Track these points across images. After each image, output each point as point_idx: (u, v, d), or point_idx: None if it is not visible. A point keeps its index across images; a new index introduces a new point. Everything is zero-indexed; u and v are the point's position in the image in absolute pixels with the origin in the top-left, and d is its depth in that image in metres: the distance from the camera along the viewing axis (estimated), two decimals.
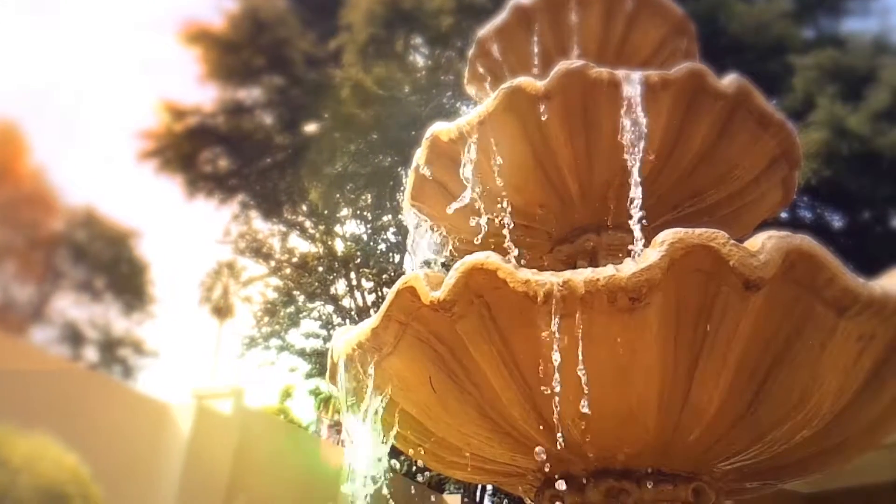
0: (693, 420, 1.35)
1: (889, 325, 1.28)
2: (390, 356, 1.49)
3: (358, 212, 12.68)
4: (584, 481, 1.44)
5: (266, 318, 13.31)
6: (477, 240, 1.90)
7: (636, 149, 1.72)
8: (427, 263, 2.09)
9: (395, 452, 1.67)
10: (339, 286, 12.99)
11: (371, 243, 12.69)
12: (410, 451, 1.80)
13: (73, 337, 14.27)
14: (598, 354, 1.26)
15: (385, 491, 1.55)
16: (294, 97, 11.35)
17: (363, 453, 1.58)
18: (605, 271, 1.23)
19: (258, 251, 13.41)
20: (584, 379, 1.24)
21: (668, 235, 1.22)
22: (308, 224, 13.03)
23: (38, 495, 2.97)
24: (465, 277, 1.29)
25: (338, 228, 12.98)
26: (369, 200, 12.33)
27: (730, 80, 1.80)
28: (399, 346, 1.46)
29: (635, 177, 1.70)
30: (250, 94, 11.87)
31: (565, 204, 1.97)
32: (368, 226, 12.71)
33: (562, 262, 2.00)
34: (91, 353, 14.89)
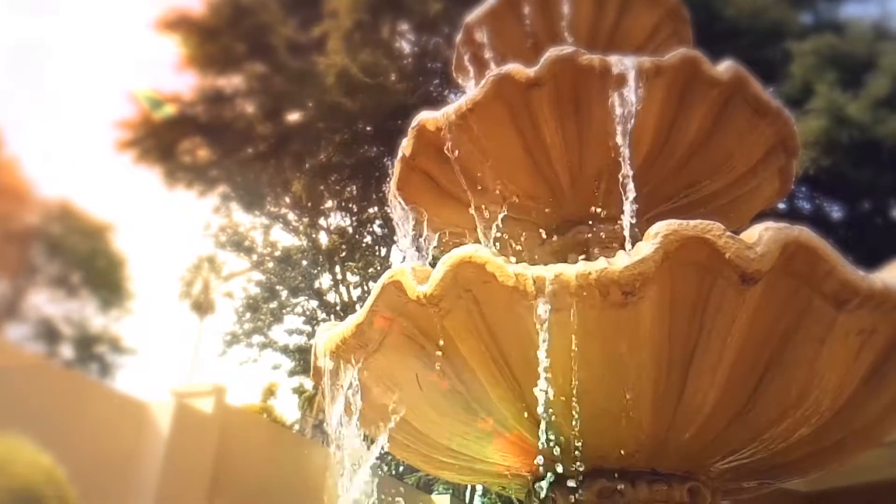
0: (688, 418, 1.33)
1: (890, 319, 1.27)
2: (376, 353, 1.47)
3: (343, 204, 12.57)
4: (577, 481, 1.41)
5: (248, 314, 13.17)
6: (465, 232, 1.86)
7: (628, 138, 1.69)
8: (416, 256, 2.03)
9: (381, 453, 1.62)
10: (324, 280, 12.92)
11: (356, 236, 12.61)
12: (398, 451, 1.75)
13: (49, 334, 13.98)
14: (590, 350, 1.24)
15: (371, 491, 1.50)
16: (276, 85, 11.14)
17: (348, 453, 1.53)
18: (597, 265, 1.20)
19: (240, 245, 13.25)
20: (575, 375, 1.21)
21: (661, 227, 1.20)
22: (291, 216, 12.90)
23: (12, 497, 2.89)
24: (452, 271, 1.26)
25: (322, 221, 12.86)
26: (354, 192, 12.24)
27: (725, 67, 1.77)
28: (385, 343, 1.44)
29: (627, 167, 1.66)
30: (231, 81, 11.63)
31: (556, 195, 1.94)
32: (354, 218, 12.62)
33: (553, 256, 1.96)
34: (67, 351, 14.61)
